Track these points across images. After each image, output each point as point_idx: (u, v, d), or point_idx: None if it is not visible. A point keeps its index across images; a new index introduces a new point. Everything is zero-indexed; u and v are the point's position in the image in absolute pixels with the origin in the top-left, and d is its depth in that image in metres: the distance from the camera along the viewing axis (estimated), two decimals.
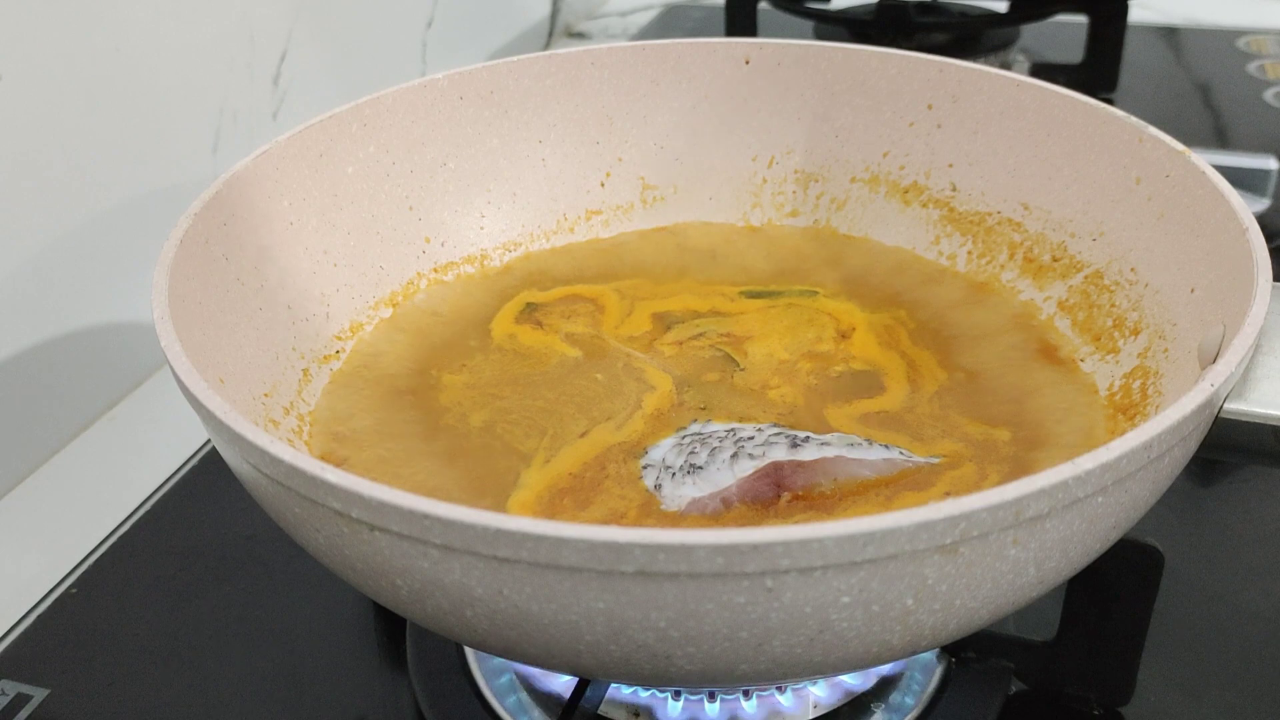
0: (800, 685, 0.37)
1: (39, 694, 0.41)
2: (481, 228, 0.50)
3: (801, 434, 0.36)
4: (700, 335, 0.44)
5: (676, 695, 0.37)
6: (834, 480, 0.34)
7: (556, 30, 1.05)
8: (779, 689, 0.37)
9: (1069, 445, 0.38)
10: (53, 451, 0.55)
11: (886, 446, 0.36)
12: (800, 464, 0.35)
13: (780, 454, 0.35)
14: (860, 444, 0.36)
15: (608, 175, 0.52)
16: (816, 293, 0.47)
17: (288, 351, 0.41)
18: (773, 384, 0.41)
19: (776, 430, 0.37)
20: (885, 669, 0.38)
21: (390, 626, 0.43)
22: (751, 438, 0.36)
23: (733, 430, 0.37)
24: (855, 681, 0.38)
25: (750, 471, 0.35)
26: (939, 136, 0.48)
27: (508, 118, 0.50)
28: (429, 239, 0.48)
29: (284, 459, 0.26)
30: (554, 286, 0.48)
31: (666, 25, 1.04)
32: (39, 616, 0.44)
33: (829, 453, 0.35)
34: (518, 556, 0.24)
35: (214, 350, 0.36)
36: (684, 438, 0.38)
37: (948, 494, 0.35)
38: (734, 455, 0.35)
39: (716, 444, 0.36)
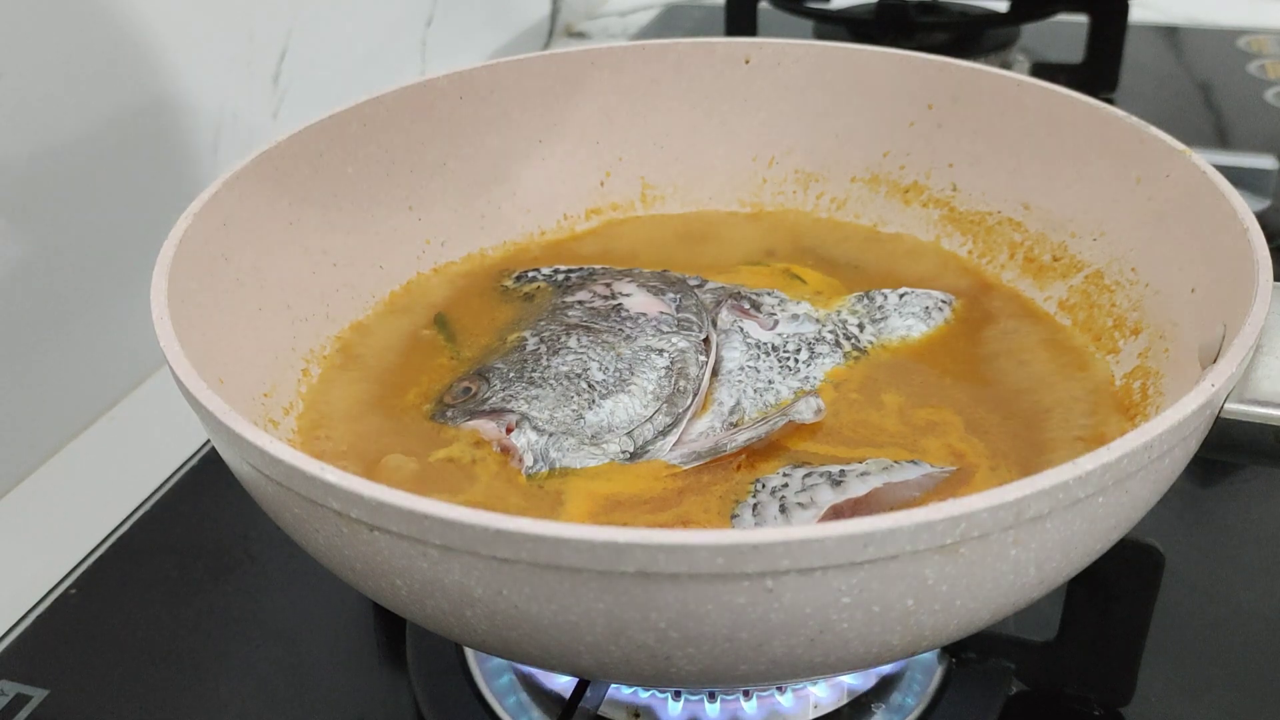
0: (801, 686, 0.37)
1: (39, 694, 0.41)
2: (481, 228, 0.50)
3: (835, 469, 0.35)
4: None
5: (677, 695, 0.37)
6: (891, 509, 0.34)
7: (556, 30, 1.05)
8: (779, 689, 0.37)
9: (1069, 445, 0.38)
10: (53, 451, 0.55)
11: (915, 463, 0.35)
12: (857, 500, 0.33)
13: (828, 495, 0.33)
14: (890, 465, 0.35)
15: (608, 175, 0.52)
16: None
17: (288, 351, 0.41)
18: None
19: (805, 471, 0.35)
20: (886, 669, 0.38)
21: (390, 626, 0.43)
22: (784, 485, 0.34)
23: (754, 486, 0.35)
24: (856, 682, 0.38)
25: (814, 522, 0.32)
26: (939, 136, 0.48)
27: (508, 118, 0.50)
28: (429, 239, 0.48)
29: (284, 459, 0.26)
30: None
31: (666, 25, 1.04)
32: (39, 617, 0.44)
33: (874, 482, 0.34)
34: (517, 557, 0.24)
35: (214, 350, 0.36)
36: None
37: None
38: (782, 509, 0.33)
39: (752, 502, 0.34)
